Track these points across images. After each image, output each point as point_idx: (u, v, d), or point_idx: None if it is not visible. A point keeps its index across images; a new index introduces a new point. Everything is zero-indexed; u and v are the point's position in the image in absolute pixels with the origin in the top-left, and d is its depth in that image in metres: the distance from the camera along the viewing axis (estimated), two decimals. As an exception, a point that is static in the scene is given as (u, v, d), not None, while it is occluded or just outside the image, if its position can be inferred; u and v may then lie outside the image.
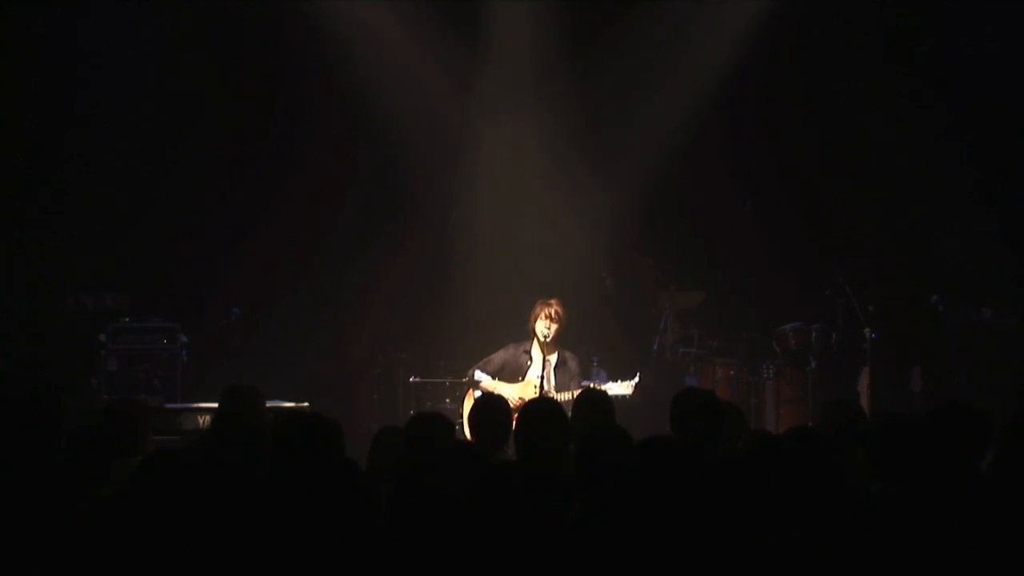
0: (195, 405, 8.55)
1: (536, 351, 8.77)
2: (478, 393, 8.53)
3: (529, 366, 8.82)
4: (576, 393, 7.78)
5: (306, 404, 8.44)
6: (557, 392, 8.53)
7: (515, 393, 8.64)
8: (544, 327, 8.70)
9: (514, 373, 8.88)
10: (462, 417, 8.65)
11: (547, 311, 8.74)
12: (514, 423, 5.43)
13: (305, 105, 10.94)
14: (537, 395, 8.43)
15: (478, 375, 8.88)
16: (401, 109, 10.86)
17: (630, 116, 11.06)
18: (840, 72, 10.84)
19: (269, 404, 6.59)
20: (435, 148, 11.07)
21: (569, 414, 5.50)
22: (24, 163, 10.48)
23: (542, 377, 8.60)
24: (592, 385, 8.63)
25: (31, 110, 10.47)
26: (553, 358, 8.81)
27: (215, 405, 5.53)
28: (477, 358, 9.08)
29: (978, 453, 4.60)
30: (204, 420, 8.11)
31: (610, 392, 8.11)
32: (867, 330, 9.74)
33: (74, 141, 10.55)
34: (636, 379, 8.61)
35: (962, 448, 4.51)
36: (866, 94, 10.83)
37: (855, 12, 10.72)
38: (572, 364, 8.89)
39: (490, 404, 5.57)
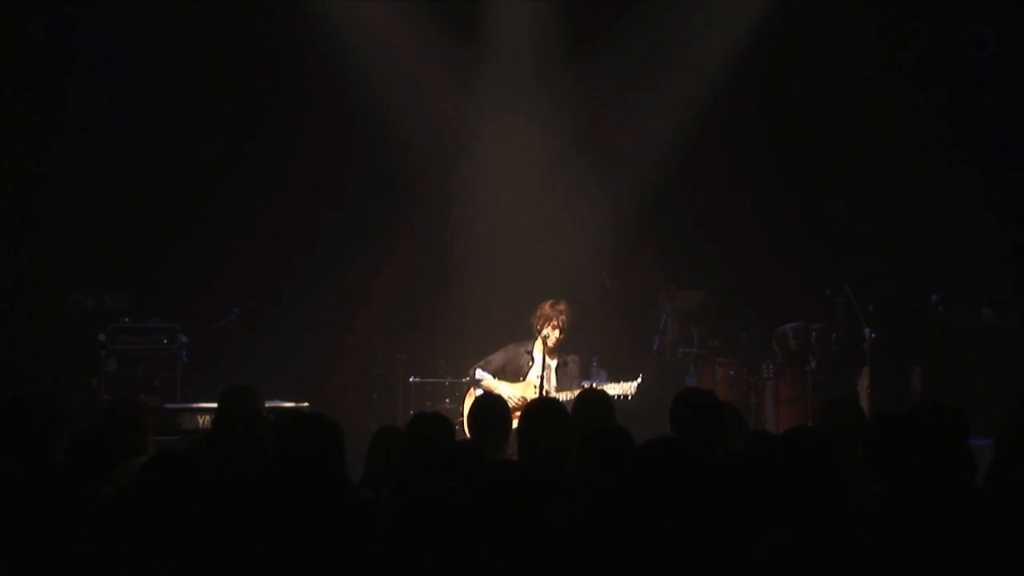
0: (195, 405, 8.54)
1: (538, 352, 8.77)
2: (479, 392, 8.53)
3: (530, 367, 8.82)
4: (576, 393, 7.78)
5: (306, 404, 8.45)
6: (558, 392, 8.53)
7: (516, 393, 8.64)
8: (550, 333, 8.70)
9: (515, 373, 8.88)
10: (462, 417, 8.65)
11: (556, 321, 8.72)
12: (514, 423, 5.43)
13: (304, 105, 10.94)
14: (538, 395, 8.43)
15: (479, 374, 8.88)
16: (401, 109, 10.86)
17: (630, 116, 11.07)
18: (840, 72, 10.85)
19: (269, 404, 6.59)
20: (435, 148, 11.07)
21: (569, 414, 5.49)
22: (24, 163, 10.48)
23: (542, 377, 8.59)
24: (593, 385, 8.63)
25: (30, 109, 10.47)
26: (554, 361, 8.81)
27: (215, 405, 5.52)
28: (477, 358, 9.08)
29: (961, 449, 4.59)
30: (204, 420, 8.11)
31: (611, 392, 8.10)
32: (867, 330, 9.73)
33: (73, 141, 10.56)
34: (638, 380, 8.60)
35: (944, 445, 4.49)
36: (866, 94, 10.83)
37: (855, 12, 10.72)
38: (573, 366, 8.89)
39: (490, 404, 5.58)
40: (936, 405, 4.62)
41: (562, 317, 8.73)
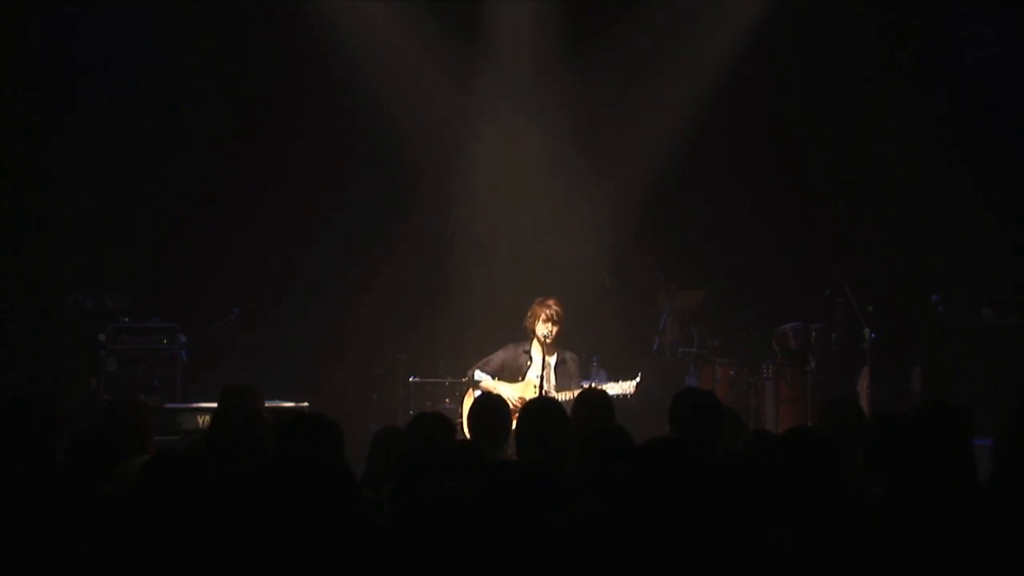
0: (195, 405, 8.55)
1: (536, 351, 8.77)
2: (478, 393, 8.53)
3: (529, 366, 8.81)
4: (576, 393, 7.78)
5: (306, 404, 8.45)
6: (557, 392, 8.52)
7: (515, 393, 8.64)
8: (545, 329, 8.69)
9: (514, 373, 8.87)
10: (462, 417, 8.65)
11: (547, 313, 8.72)
12: (514, 423, 5.43)
13: (304, 105, 10.94)
14: (537, 395, 8.43)
15: (478, 375, 8.87)
16: (401, 109, 10.86)
17: (630, 116, 11.07)
18: (840, 72, 10.85)
19: (269, 404, 6.58)
20: (435, 148, 11.07)
21: (569, 414, 5.49)
22: (23, 163, 10.48)
23: (542, 377, 8.59)
24: (592, 385, 8.63)
25: (30, 110, 10.47)
26: (553, 358, 8.80)
27: (215, 405, 5.52)
28: (477, 358, 9.08)
29: (963, 449, 4.60)
30: (204, 420, 8.10)
31: (610, 392, 8.10)
32: (867, 330, 9.73)
33: (73, 141, 10.56)
34: (637, 379, 8.60)
35: (950, 446, 4.50)
36: (866, 94, 10.84)
37: (855, 12, 10.72)
38: (571, 364, 8.88)
39: (489, 404, 5.57)
40: (939, 405, 4.62)
41: (550, 310, 8.72)
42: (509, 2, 11.00)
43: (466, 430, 7.45)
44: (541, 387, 8.55)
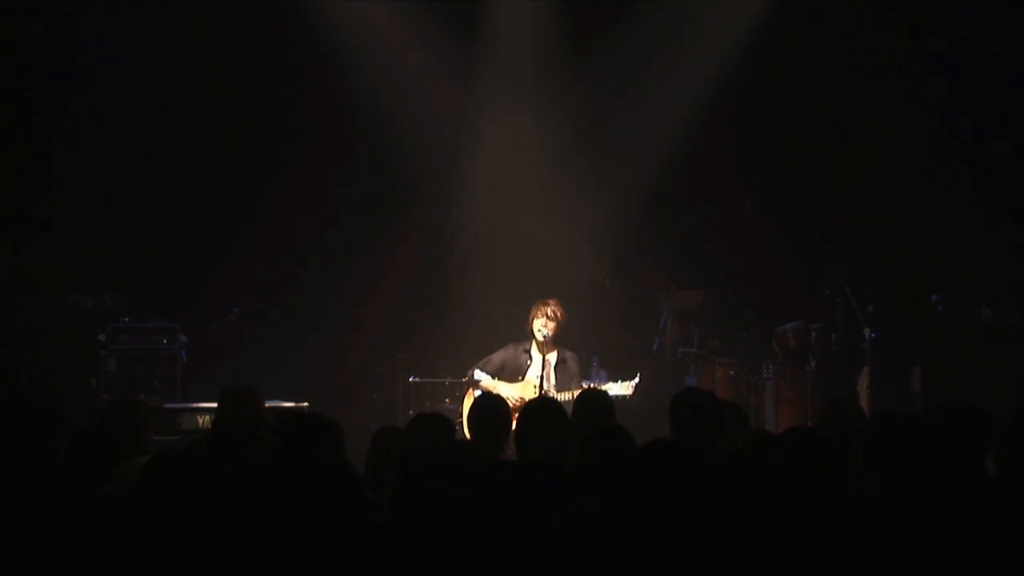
0: (195, 405, 8.54)
1: (535, 350, 8.78)
2: (478, 393, 8.53)
3: (529, 366, 8.82)
4: (576, 393, 7.78)
5: (306, 404, 8.44)
6: (557, 392, 8.52)
7: (515, 393, 8.63)
8: (541, 326, 8.70)
9: (514, 373, 8.87)
10: (462, 417, 8.65)
11: (544, 311, 8.73)
12: (514, 423, 5.43)
13: (304, 105, 10.95)
14: (537, 395, 8.43)
15: (478, 374, 8.87)
16: (401, 109, 10.86)
17: (630, 116, 11.07)
18: (840, 72, 10.85)
19: (269, 404, 6.59)
20: (435, 148, 11.07)
21: (569, 414, 5.49)
22: (23, 163, 10.48)
23: (542, 377, 8.59)
24: (592, 385, 8.63)
25: (30, 110, 10.47)
26: (552, 357, 8.80)
27: (215, 405, 5.52)
28: (477, 358, 9.08)
29: (979, 452, 4.60)
30: (204, 420, 8.10)
31: (610, 392, 8.10)
32: (867, 330, 9.73)
33: (73, 141, 10.55)
34: (636, 379, 8.60)
35: (963, 447, 4.51)
36: (866, 94, 10.84)
37: (855, 12, 10.72)
38: (572, 363, 8.87)
39: (490, 404, 5.57)
40: (960, 406, 4.62)
41: (548, 308, 8.73)
42: (509, 2, 10.99)
43: (466, 430, 7.45)
44: (541, 387, 8.56)
